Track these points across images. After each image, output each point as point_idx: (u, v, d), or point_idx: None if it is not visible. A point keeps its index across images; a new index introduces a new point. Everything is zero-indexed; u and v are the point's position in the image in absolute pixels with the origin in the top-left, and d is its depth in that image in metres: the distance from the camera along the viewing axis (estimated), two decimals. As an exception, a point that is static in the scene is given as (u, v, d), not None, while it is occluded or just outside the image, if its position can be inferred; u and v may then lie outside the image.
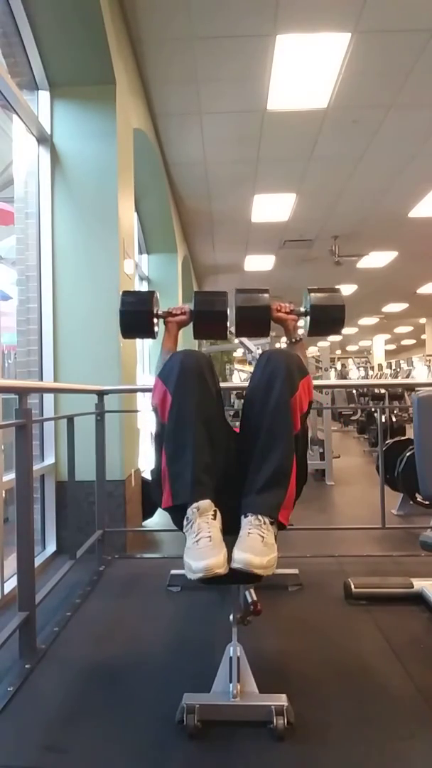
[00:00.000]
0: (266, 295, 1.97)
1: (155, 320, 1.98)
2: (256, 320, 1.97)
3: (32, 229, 3.19)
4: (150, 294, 2.00)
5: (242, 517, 1.39)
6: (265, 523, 1.35)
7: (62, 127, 3.22)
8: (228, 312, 1.98)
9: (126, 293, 2.03)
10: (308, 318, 1.98)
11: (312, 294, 1.96)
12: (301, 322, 2.03)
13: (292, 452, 1.47)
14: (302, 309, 1.98)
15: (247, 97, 4.25)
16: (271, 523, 1.37)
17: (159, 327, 2.06)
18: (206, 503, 1.38)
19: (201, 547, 1.29)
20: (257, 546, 1.30)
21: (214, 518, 1.36)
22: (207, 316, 2.00)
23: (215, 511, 1.38)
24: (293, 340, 1.98)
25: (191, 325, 2.03)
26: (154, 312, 1.97)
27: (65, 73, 3.14)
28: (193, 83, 4.06)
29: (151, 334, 1.99)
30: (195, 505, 1.37)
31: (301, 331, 2.03)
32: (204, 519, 1.35)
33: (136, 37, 3.58)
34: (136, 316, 1.97)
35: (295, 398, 1.48)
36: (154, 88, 4.14)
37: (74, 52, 3.04)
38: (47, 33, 2.91)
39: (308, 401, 1.56)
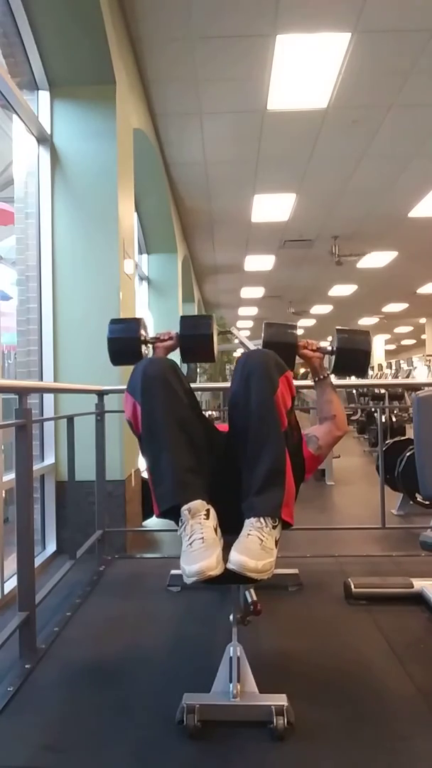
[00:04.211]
0: (294, 332, 1.98)
1: (143, 346, 1.98)
2: (281, 355, 1.97)
3: (32, 229, 3.19)
4: (137, 321, 2.01)
5: (246, 518, 1.38)
6: (267, 525, 1.34)
7: (62, 127, 3.22)
8: (213, 335, 2.00)
9: (114, 321, 2.03)
10: (333, 357, 1.98)
11: (339, 335, 1.95)
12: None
13: (284, 450, 1.45)
14: (329, 348, 1.97)
15: (247, 97, 4.25)
16: (274, 527, 1.35)
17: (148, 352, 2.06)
18: (197, 503, 1.36)
19: (194, 549, 1.28)
20: (254, 549, 1.28)
21: (207, 517, 1.35)
22: (193, 340, 2.03)
23: (208, 510, 1.37)
24: (320, 377, 1.96)
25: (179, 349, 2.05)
26: (142, 338, 1.97)
27: (65, 73, 3.14)
28: (193, 83, 4.06)
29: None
30: (186, 506, 1.35)
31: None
32: (196, 520, 1.34)
33: (136, 37, 3.58)
34: (125, 343, 1.98)
35: (277, 396, 1.45)
36: (154, 88, 4.14)
37: (74, 52, 3.04)
38: (47, 33, 2.91)
39: (291, 396, 1.54)
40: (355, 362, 1.98)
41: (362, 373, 2.04)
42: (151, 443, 1.47)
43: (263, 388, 1.45)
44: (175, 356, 2.10)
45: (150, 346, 2.04)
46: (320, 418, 1.97)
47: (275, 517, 1.36)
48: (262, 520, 1.34)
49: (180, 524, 1.37)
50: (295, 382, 1.89)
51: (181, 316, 2.06)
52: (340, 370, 2.00)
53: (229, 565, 1.26)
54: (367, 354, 1.96)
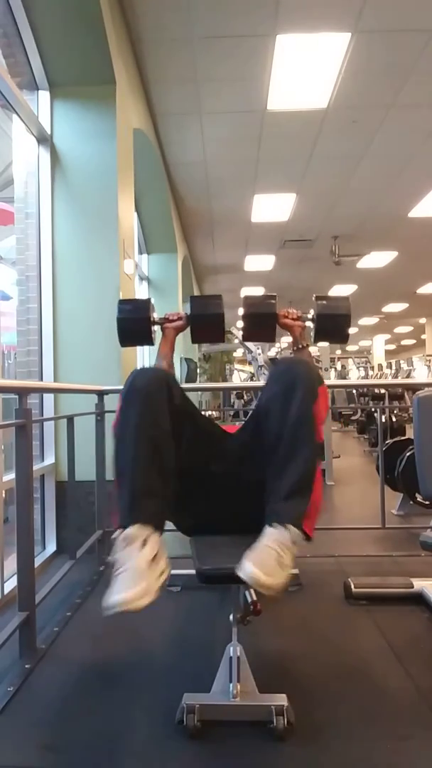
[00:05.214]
0: (273, 302, 1.99)
1: (152, 327, 1.99)
2: (263, 326, 1.99)
3: (32, 229, 3.19)
4: (146, 301, 2.02)
5: (266, 525, 1.33)
6: (287, 538, 1.28)
7: (62, 127, 3.22)
8: (224, 315, 1.99)
9: (122, 301, 2.06)
10: (313, 325, 1.99)
11: (318, 302, 1.97)
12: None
13: (316, 461, 1.41)
14: (309, 316, 1.99)
15: (247, 97, 4.25)
16: (293, 541, 1.30)
17: (158, 332, 2.07)
18: (134, 530, 1.29)
19: (119, 579, 1.21)
20: (270, 563, 1.23)
21: (144, 545, 1.27)
22: (203, 320, 2.02)
23: (146, 539, 1.29)
24: (300, 346, 1.98)
25: (188, 329, 2.05)
26: (151, 319, 1.98)
27: (65, 73, 3.14)
28: (192, 83, 4.06)
29: (149, 341, 2.00)
30: (123, 534, 1.30)
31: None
32: (130, 549, 1.27)
33: (136, 37, 3.58)
34: (134, 323, 1.98)
35: (317, 405, 1.43)
36: (154, 87, 4.14)
37: (74, 52, 3.04)
38: (47, 33, 2.91)
39: (325, 409, 1.53)
40: (336, 327, 1.98)
41: (343, 338, 2.03)
42: (117, 457, 1.43)
43: (305, 398, 1.42)
44: (185, 338, 2.09)
45: (159, 326, 2.04)
46: None
47: (297, 526, 1.31)
48: (283, 530, 1.29)
49: (114, 550, 1.31)
50: None
51: (191, 296, 2.06)
52: (322, 336, 2.00)
53: (241, 574, 1.21)
54: (347, 318, 1.96)
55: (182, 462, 1.50)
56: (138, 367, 1.59)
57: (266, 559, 1.24)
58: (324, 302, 1.98)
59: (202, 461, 1.57)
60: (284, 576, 1.23)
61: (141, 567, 1.23)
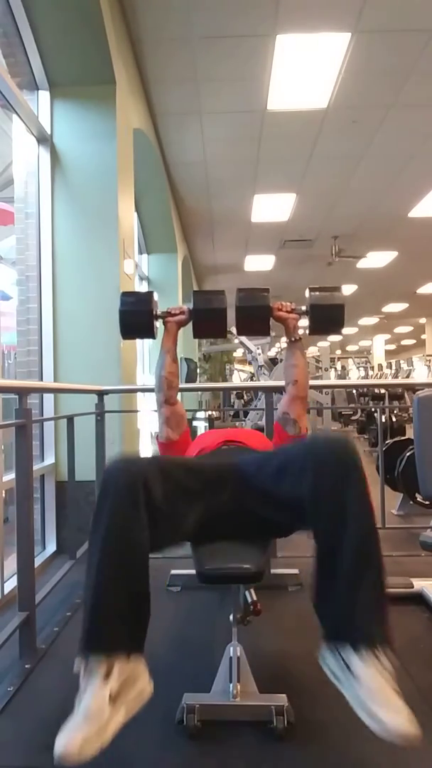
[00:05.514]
0: (266, 295, 1.99)
1: (155, 321, 2.00)
2: (256, 319, 1.99)
3: (32, 229, 3.19)
4: (149, 294, 2.02)
5: (353, 651, 1.16)
6: (384, 664, 1.15)
7: (62, 127, 3.22)
8: (226, 310, 1.99)
9: (125, 294, 2.05)
10: (308, 317, 1.99)
11: (312, 293, 1.97)
12: (303, 322, 2.04)
13: (383, 563, 1.27)
14: (303, 308, 1.99)
15: (247, 97, 4.25)
16: (390, 662, 1.17)
17: (159, 327, 2.07)
18: (96, 662, 1.13)
19: (68, 723, 1.09)
20: (396, 701, 1.09)
21: (107, 678, 1.12)
22: (206, 315, 2.01)
23: (109, 670, 1.13)
24: (293, 339, 1.98)
25: (191, 324, 2.04)
26: (154, 312, 1.98)
27: (65, 73, 3.14)
28: (192, 83, 4.06)
29: (151, 334, 2.00)
30: (85, 665, 1.15)
31: (301, 331, 2.04)
32: (91, 684, 1.12)
33: (136, 37, 3.58)
34: (136, 316, 1.99)
35: (370, 495, 1.33)
36: (154, 87, 4.14)
37: (74, 52, 3.04)
38: (47, 33, 2.91)
39: None
40: (331, 318, 1.97)
41: (338, 329, 2.01)
42: (87, 574, 1.25)
43: (365, 492, 1.30)
44: (187, 331, 2.09)
45: (161, 320, 2.04)
46: (285, 383, 1.98)
47: (388, 644, 1.18)
48: (382, 659, 1.15)
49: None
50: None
51: (194, 291, 2.06)
52: (318, 327, 1.99)
53: (382, 732, 1.07)
54: (341, 308, 1.95)
55: (175, 516, 1.40)
56: (113, 458, 1.41)
57: (392, 699, 1.10)
58: (318, 293, 1.98)
59: (198, 503, 1.48)
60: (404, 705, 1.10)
61: (95, 708, 1.08)
